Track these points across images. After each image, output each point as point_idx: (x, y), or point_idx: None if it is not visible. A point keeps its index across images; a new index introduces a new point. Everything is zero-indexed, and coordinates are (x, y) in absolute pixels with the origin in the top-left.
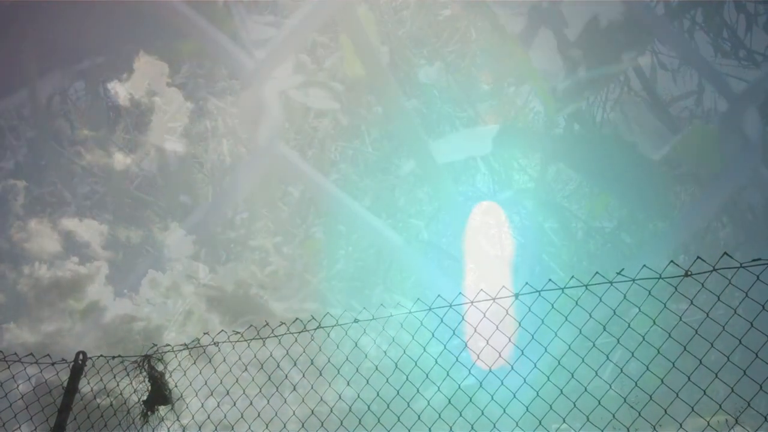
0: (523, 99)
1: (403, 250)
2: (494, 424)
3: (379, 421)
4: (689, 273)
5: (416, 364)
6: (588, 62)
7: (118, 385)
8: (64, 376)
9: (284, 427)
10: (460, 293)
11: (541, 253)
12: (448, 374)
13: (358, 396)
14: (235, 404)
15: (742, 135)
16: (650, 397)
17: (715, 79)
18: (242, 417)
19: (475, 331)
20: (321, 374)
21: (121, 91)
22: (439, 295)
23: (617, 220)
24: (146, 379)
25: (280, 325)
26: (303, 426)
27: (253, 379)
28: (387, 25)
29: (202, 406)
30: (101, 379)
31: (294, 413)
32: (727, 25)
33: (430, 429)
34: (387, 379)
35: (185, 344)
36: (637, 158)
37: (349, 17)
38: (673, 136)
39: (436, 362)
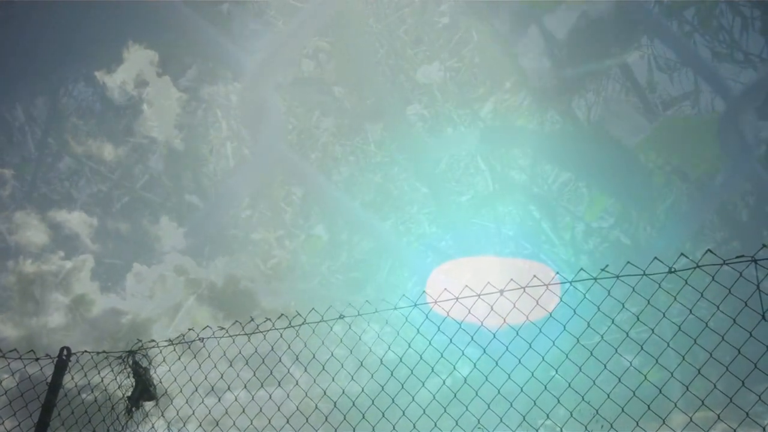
0: (521, 99)
1: (404, 249)
2: (478, 420)
3: (363, 417)
4: (672, 269)
5: (401, 360)
6: (582, 61)
7: (102, 381)
8: (49, 372)
9: (269, 423)
10: (445, 289)
11: (538, 252)
12: (432, 370)
13: (343, 391)
14: (219, 400)
15: (738, 135)
16: (633, 393)
17: (712, 80)
18: (227, 413)
19: (460, 327)
20: (306, 370)
21: (110, 81)
22: (424, 291)
23: (614, 219)
24: (130, 375)
25: (265, 321)
26: (288, 422)
27: (237, 375)
28: (386, 24)
29: (187, 402)
30: (85, 375)
31: (278, 409)
32: (723, 27)
33: (414, 424)
34: (372, 375)
35: (170, 340)
36: (633, 159)
37: (349, 17)
38: (670, 137)
39: (421, 357)
